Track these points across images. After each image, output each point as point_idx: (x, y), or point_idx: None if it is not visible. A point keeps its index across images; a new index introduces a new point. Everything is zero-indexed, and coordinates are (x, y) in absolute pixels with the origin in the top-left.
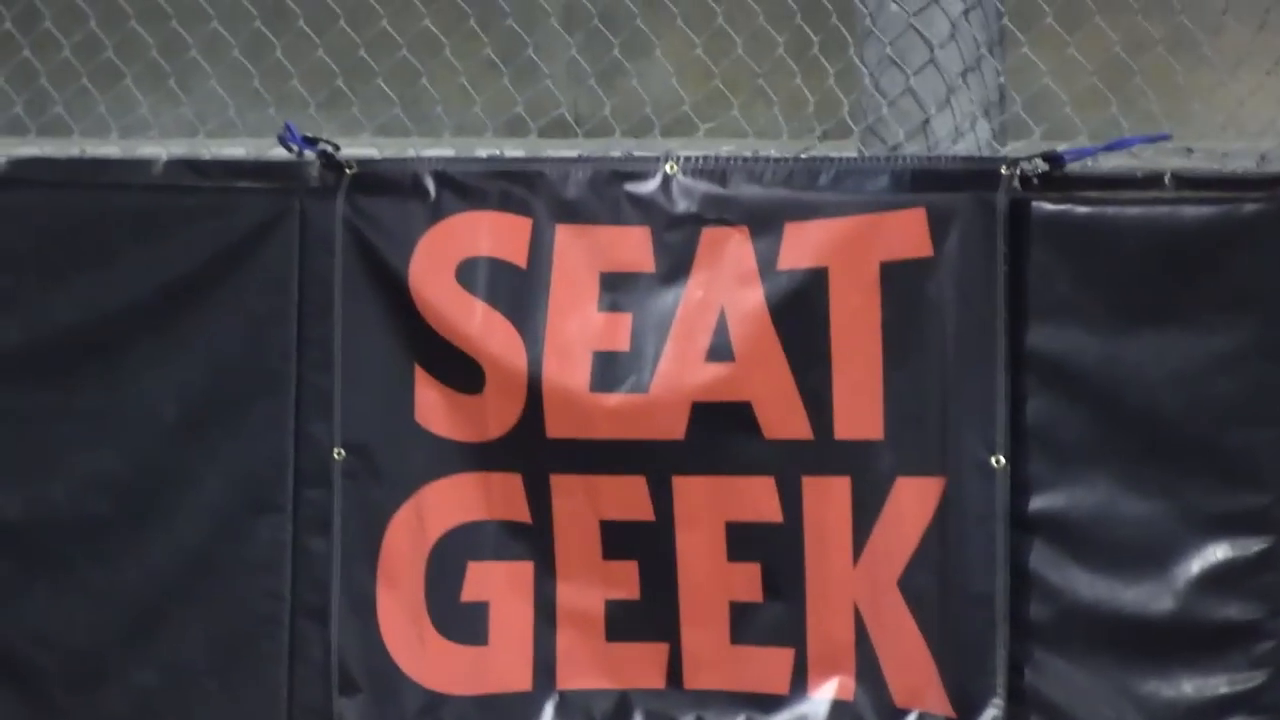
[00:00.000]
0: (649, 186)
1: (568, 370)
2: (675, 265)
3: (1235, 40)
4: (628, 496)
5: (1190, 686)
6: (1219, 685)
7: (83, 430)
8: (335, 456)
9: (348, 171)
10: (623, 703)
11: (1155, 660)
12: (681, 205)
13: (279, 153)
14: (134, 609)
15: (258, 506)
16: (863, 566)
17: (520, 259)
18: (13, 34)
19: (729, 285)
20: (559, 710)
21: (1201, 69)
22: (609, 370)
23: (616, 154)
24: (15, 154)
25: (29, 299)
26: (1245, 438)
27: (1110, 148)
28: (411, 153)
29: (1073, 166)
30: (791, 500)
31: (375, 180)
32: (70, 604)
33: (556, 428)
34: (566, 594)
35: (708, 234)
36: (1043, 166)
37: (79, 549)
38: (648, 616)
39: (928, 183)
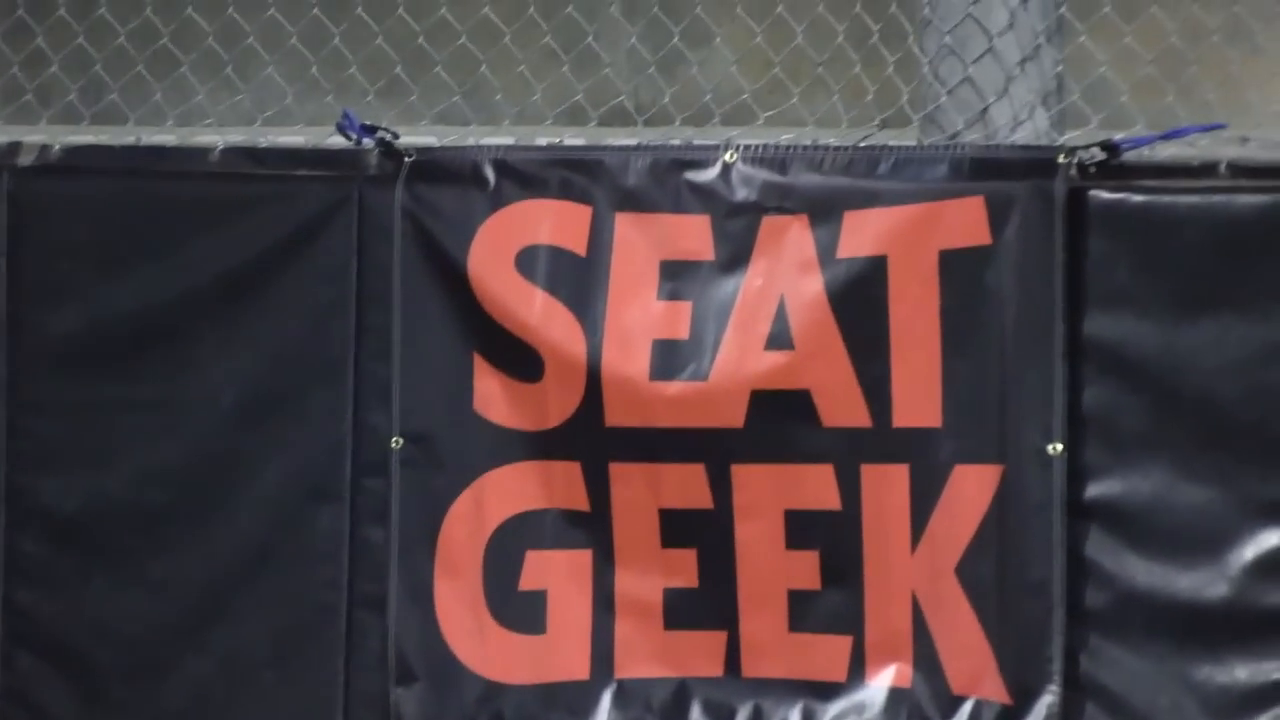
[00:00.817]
0: (709, 175)
1: (627, 358)
2: (735, 253)
3: None
4: (687, 485)
5: (1244, 672)
6: (1272, 671)
7: (141, 420)
8: (393, 445)
9: (407, 160)
10: (681, 691)
11: (1210, 646)
12: (741, 193)
13: (337, 141)
14: (192, 599)
15: (316, 496)
16: (921, 554)
17: (580, 247)
18: (67, 20)
19: (789, 274)
20: (617, 699)
21: (1257, 58)
22: (668, 358)
23: (676, 142)
24: (69, 142)
25: (86, 288)
26: None
27: (1167, 136)
28: (471, 141)
29: (1130, 155)
30: (850, 488)
31: (434, 168)
32: (128, 595)
33: (616, 416)
34: (625, 582)
35: (767, 222)
36: (1100, 155)
37: (137, 540)
38: (706, 605)
39: (986, 171)
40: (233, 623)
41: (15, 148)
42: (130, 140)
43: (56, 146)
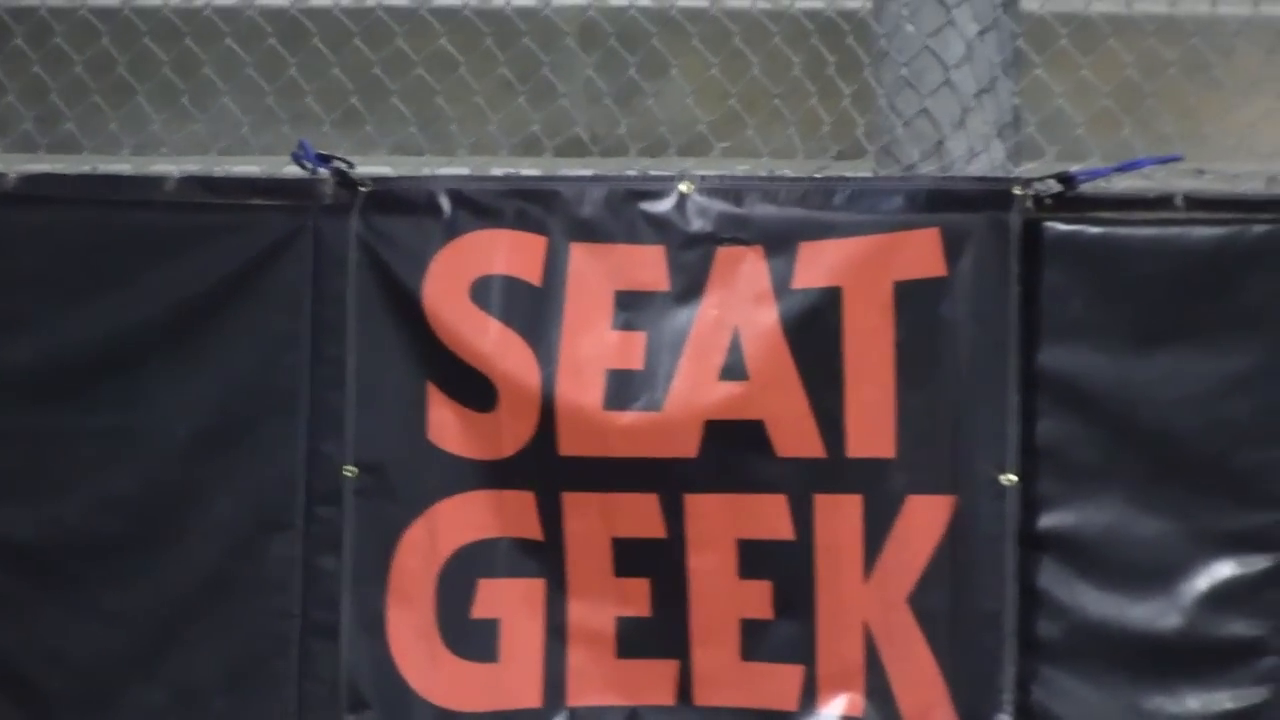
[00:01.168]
0: (664, 206)
1: (581, 388)
2: (690, 284)
3: (1247, 63)
4: (640, 514)
5: (1195, 702)
6: (1224, 701)
7: (94, 449)
8: (347, 474)
9: (362, 190)
10: (632, 719)
11: (1161, 676)
12: (696, 224)
13: (293, 171)
14: (144, 628)
15: (269, 525)
16: (873, 584)
17: (535, 277)
18: (23, 50)
19: (743, 304)
20: None
21: (1213, 91)
22: (622, 388)
23: (632, 173)
24: (25, 170)
25: (40, 317)
26: (1255, 457)
27: (1123, 169)
28: (426, 171)
29: (1085, 187)
30: (803, 518)
31: (389, 198)
32: (80, 624)
33: (569, 445)
34: (577, 611)
35: (722, 253)
36: (1056, 187)
37: (89, 568)
38: (658, 634)
39: (942, 203)
40: (185, 651)
41: None
42: (86, 169)
43: (12, 175)
